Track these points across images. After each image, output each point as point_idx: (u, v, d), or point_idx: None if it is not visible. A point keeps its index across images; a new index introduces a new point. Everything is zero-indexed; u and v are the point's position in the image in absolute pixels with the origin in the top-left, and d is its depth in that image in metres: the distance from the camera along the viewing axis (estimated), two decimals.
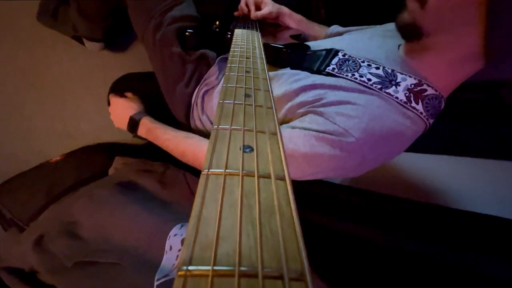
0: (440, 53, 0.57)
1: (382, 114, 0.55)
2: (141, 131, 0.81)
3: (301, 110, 0.61)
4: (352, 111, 0.55)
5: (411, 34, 0.58)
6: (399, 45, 0.65)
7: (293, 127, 0.58)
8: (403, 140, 0.58)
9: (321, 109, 0.58)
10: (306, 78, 0.64)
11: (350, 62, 0.63)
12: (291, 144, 0.56)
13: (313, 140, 0.55)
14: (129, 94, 0.93)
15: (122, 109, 0.87)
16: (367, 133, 0.54)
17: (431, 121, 0.59)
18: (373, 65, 0.62)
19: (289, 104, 0.62)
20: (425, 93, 0.58)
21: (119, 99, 0.90)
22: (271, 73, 0.68)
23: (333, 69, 0.64)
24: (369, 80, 0.59)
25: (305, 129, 0.56)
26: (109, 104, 0.94)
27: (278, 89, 0.65)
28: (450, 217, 0.81)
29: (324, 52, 0.68)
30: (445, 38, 0.55)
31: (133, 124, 0.82)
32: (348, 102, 0.57)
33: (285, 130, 0.58)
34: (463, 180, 0.91)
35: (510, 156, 0.85)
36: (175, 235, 0.65)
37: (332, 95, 0.59)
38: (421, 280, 0.69)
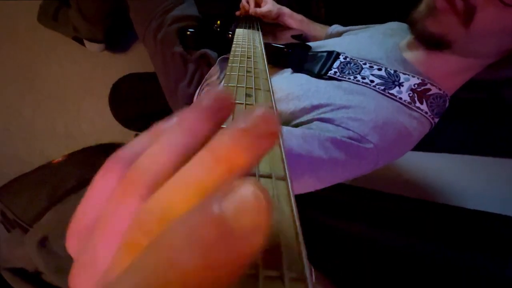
0: (453, 63, 0.56)
1: (393, 117, 0.53)
2: None
3: (304, 118, 0.57)
4: (364, 115, 0.52)
5: (436, 44, 0.55)
6: (398, 44, 0.65)
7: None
8: (411, 142, 0.57)
9: (328, 115, 0.54)
10: (308, 82, 0.63)
11: (352, 64, 0.62)
12: (306, 145, 0.49)
13: (328, 143, 0.49)
14: None
15: None
16: (383, 138, 0.51)
17: (436, 120, 0.58)
18: (375, 67, 0.60)
19: (292, 108, 0.60)
20: (429, 93, 0.57)
21: None
22: (272, 75, 0.68)
23: (335, 72, 0.62)
24: (372, 81, 0.58)
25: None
26: (110, 105, 0.93)
27: (280, 91, 0.63)
28: (450, 214, 0.81)
29: (325, 54, 0.67)
30: (469, 54, 0.54)
31: None
32: (357, 106, 0.54)
33: (297, 130, 0.53)
34: (464, 178, 0.91)
35: (510, 154, 0.85)
36: None
37: (338, 99, 0.56)
38: (422, 278, 0.69)
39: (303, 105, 0.58)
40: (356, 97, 0.56)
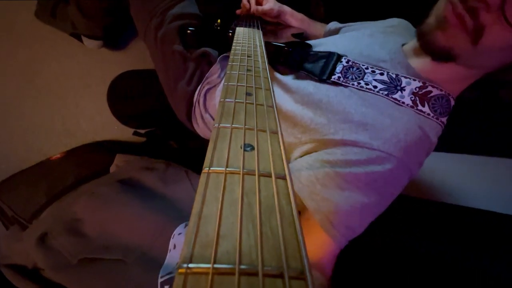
0: (458, 73, 0.57)
1: (410, 126, 0.54)
2: None
3: (328, 148, 0.55)
4: (384, 132, 0.52)
5: (443, 56, 0.55)
6: (402, 44, 0.64)
7: (328, 164, 0.52)
8: (431, 143, 0.57)
9: (351, 136, 0.53)
10: (317, 92, 0.61)
11: (355, 69, 0.62)
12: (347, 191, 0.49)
13: (361, 184, 0.50)
14: None
15: None
16: (408, 149, 0.52)
17: (443, 119, 0.58)
18: (377, 71, 0.60)
19: (301, 123, 0.58)
20: (430, 95, 0.57)
21: None
22: (286, 84, 0.67)
23: (339, 77, 0.62)
24: (375, 87, 0.58)
25: (344, 165, 0.51)
26: (108, 102, 0.93)
27: (289, 104, 0.62)
28: (449, 213, 0.82)
29: (326, 55, 0.66)
30: (474, 66, 0.55)
31: None
32: (373, 123, 0.53)
33: (320, 171, 0.52)
34: (462, 177, 0.91)
35: (507, 154, 0.86)
36: (179, 234, 0.65)
37: (353, 114, 0.55)
38: (420, 277, 0.69)
39: (320, 135, 0.56)
40: (369, 111, 0.55)
